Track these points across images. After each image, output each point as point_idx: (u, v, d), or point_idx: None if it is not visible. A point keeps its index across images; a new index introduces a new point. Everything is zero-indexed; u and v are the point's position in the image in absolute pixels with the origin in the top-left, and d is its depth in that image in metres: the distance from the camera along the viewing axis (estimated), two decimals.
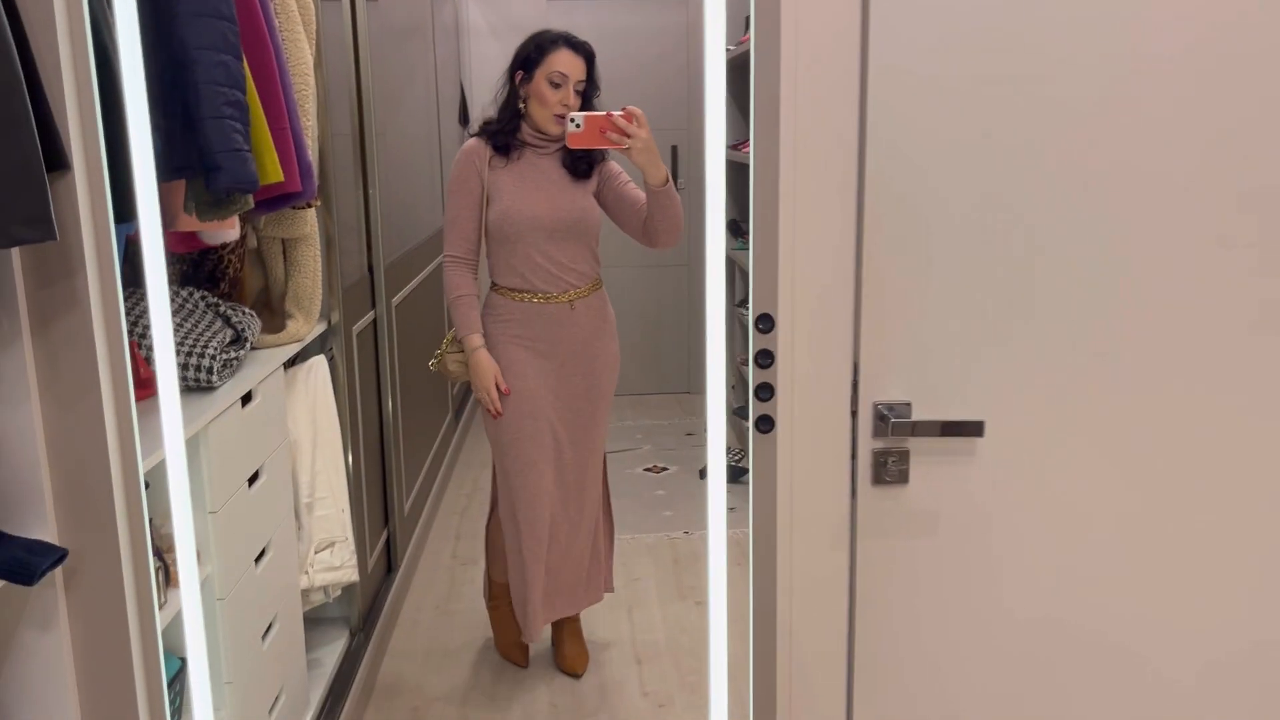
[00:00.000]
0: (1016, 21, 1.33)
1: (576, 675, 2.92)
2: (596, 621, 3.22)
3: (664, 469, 4.65)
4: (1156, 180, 1.37)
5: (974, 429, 1.39)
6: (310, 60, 2.38)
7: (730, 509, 4.17)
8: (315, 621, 2.76)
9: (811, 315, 1.39)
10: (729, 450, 4.52)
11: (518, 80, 2.61)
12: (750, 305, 1.38)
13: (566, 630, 2.96)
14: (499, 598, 3.00)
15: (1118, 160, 1.36)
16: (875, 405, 1.42)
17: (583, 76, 2.58)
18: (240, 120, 1.73)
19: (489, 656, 3.03)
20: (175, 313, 2.07)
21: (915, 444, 1.42)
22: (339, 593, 2.66)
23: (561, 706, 2.79)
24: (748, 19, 5.15)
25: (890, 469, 1.43)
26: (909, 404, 1.41)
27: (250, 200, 1.83)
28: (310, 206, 2.35)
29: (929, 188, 1.37)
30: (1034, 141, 1.36)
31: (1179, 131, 1.36)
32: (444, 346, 2.77)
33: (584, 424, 2.72)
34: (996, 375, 1.41)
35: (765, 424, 1.39)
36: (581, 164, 2.63)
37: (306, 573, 2.51)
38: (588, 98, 2.61)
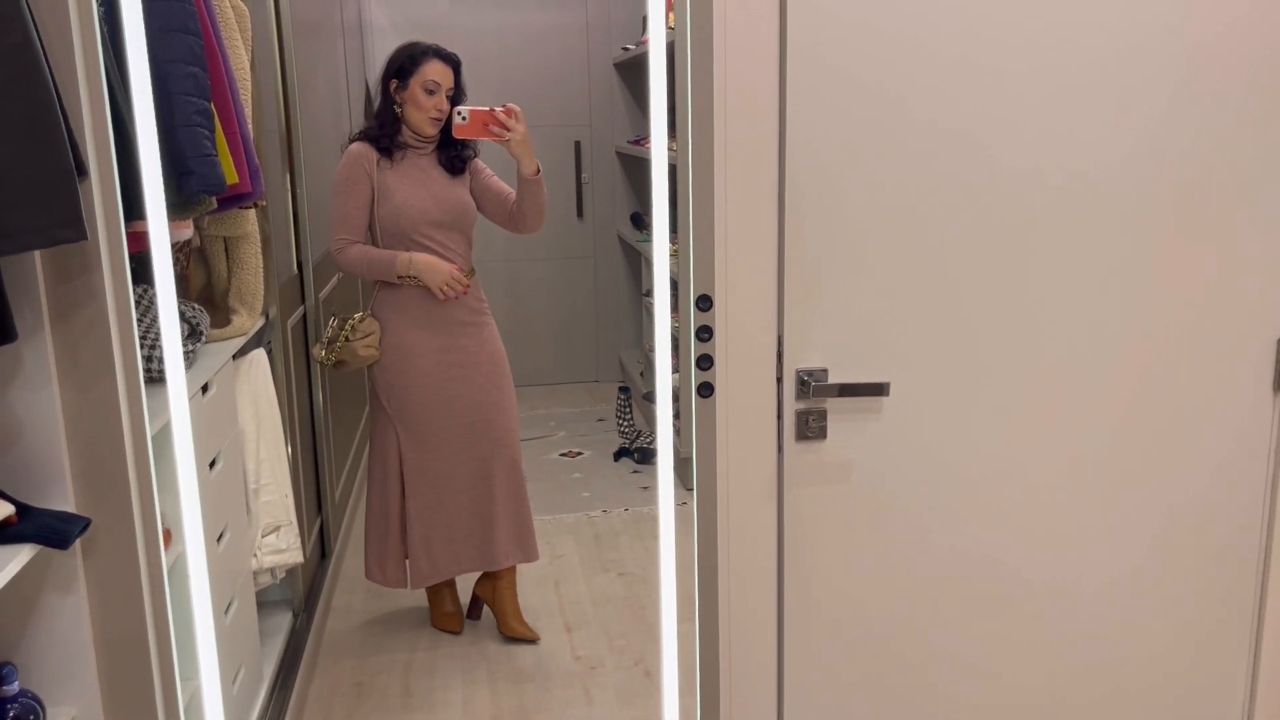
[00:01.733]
0: (920, 28, 1.57)
1: (533, 640, 3.13)
2: (527, 595, 3.41)
3: (579, 454, 4.85)
4: (1048, 168, 1.63)
5: (881, 389, 1.64)
6: (247, 65, 2.49)
7: (643, 489, 4.41)
8: (259, 604, 2.87)
9: (742, 295, 1.61)
10: (640, 433, 4.75)
11: (393, 88, 2.88)
12: (691, 288, 1.60)
13: (506, 595, 3.15)
14: (377, 573, 3.11)
15: (1013, 151, 1.62)
16: (797, 372, 1.65)
17: (452, 84, 2.87)
18: (208, 127, 1.86)
19: (425, 633, 3.19)
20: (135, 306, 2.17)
21: (832, 404, 1.66)
22: (284, 574, 2.78)
23: (499, 674, 2.97)
24: (644, 19, 5.42)
25: (811, 426, 1.66)
26: (826, 370, 1.65)
27: (214, 201, 1.96)
28: (256, 206, 2.47)
29: (841, 181, 1.60)
30: (936, 137, 1.61)
31: (1070, 125, 1.62)
32: (346, 332, 2.92)
33: (487, 383, 2.97)
34: (901, 343, 1.66)
35: (705, 390, 1.61)
36: (457, 161, 2.93)
37: (255, 555, 2.62)
38: (456, 102, 2.88)
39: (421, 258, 2.83)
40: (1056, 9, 1.59)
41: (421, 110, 2.82)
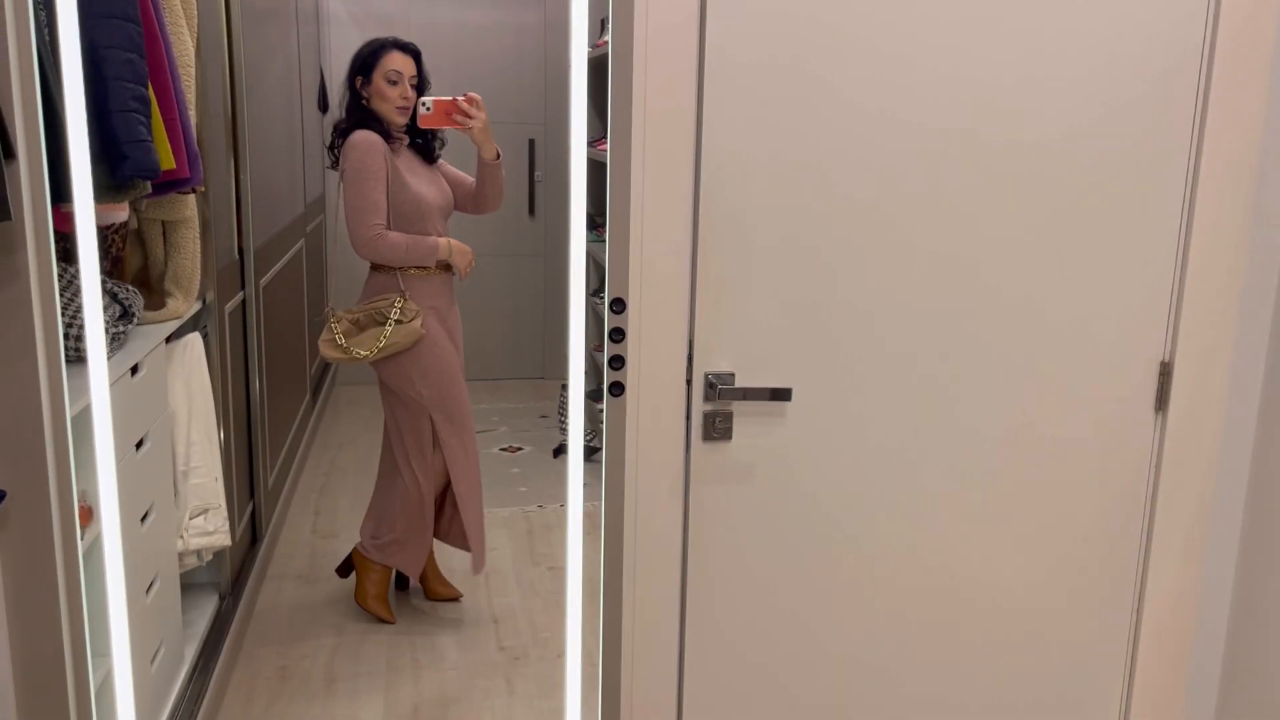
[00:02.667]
0: (831, 35, 1.65)
1: (457, 598, 3.34)
2: (456, 584, 3.46)
3: (519, 449, 4.90)
4: (946, 185, 1.72)
5: (784, 394, 1.72)
6: (192, 52, 2.52)
7: (586, 484, 4.48)
8: (186, 586, 2.90)
9: (655, 300, 1.68)
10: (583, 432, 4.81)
11: (359, 85, 2.98)
12: (605, 292, 1.66)
13: (431, 566, 3.33)
14: (402, 558, 3.20)
15: (914, 167, 1.71)
16: (706, 375, 1.72)
17: (414, 73, 2.98)
18: (144, 113, 1.89)
19: (352, 622, 3.22)
20: (65, 289, 2.19)
21: (738, 407, 1.74)
22: (210, 557, 2.81)
23: (424, 662, 3.01)
24: (604, 21, 5.46)
25: (718, 427, 1.74)
26: (733, 374, 1.73)
27: (148, 186, 1.99)
28: (195, 192, 2.49)
29: (753, 192, 1.68)
30: (842, 154, 1.69)
31: (967, 141, 1.71)
32: (397, 315, 2.94)
33: (464, 371, 3.19)
34: (806, 350, 1.74)
35: (617, 389, 1.68)
36: (431, 153, 3.10)
37: (181, 537, 2.65)
38: (420, 91, 3.01)
39: (456, 242, 3.01)
40: (968, 21, 1.67)
41: (388, 101, 2.92)
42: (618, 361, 1.67)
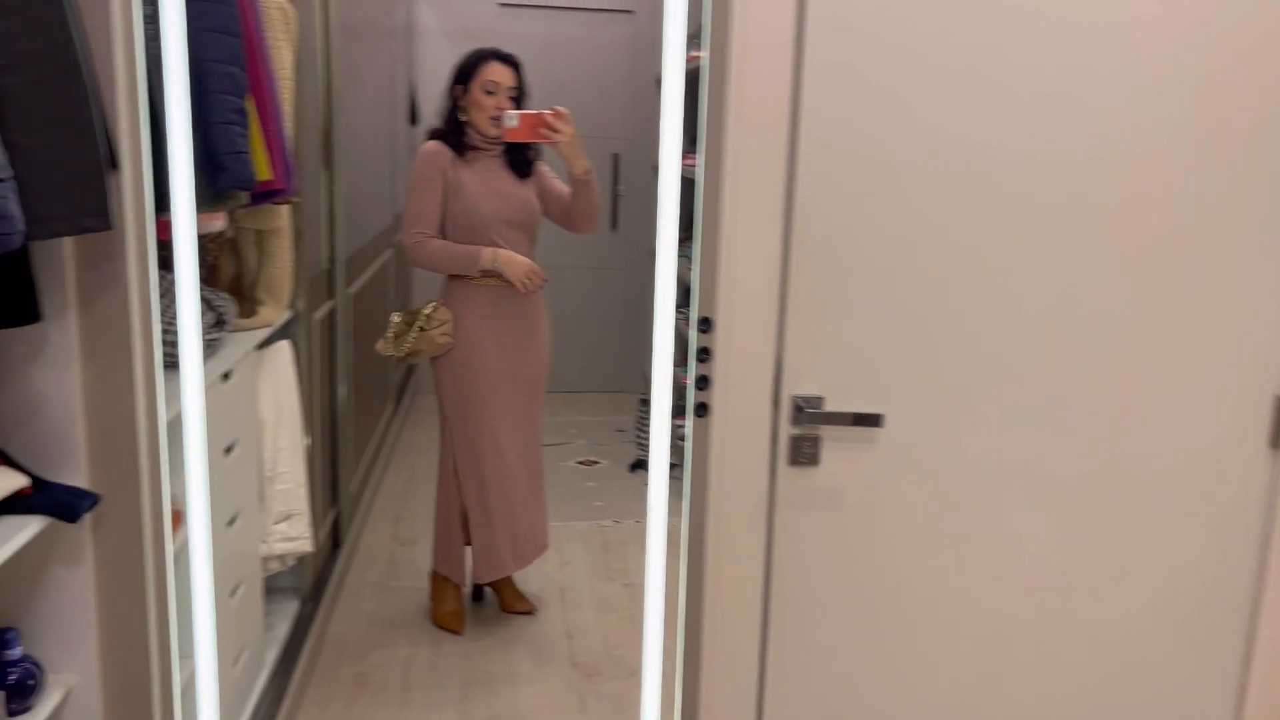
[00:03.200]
0: (936, 62, 1.61)
1: (530, 611, 3.33)
2: (531, 598, 3.45)
3: (595, 462, 4.89)
4: (1054, 208, 1.66)
5: (875, 420, 1.67)
6: (290, 65, 2.57)
7: None
8: (268, 590, 2.94)
9: (743, 319, 1.65)
10: None
11: (457, 94, 2.99)
12: (692, 309, 1.64)
13: (507, 579, 3.33)
14: (444, 566, 3.24)
15: (1021, 190, 1.65)
16: (794, 397, 1.68)
17: (513, 84, 2.97)
18: (242, 125, 1.93)
19: (428, 631, 3.24)
20: (163, 296, 2.25)
21: (826, 431, 1.69)
22: (293, 562, 2.85)
23: (498, 675, 3.01)
24: (692, 37, 5.43)
25: (804, 452, 1.69)
26: (822, 397, 1.69)
27: (245, 196, 2.02)
28: (289, 202, 2.54)
29: (848, 213, 1.64)
30: (944, 176, 1.63)
31: (1077, 165, 1.65)
32: (421, 322, 3.00)
33: (530, 393, 3.11)
34: (899, 376, 1.69)
35: (702, 410, 1.65)
36: (523, 164, 3.03)
37: (265, 542, 2.69)
38: (519, 103, 3.00)
39: (504, 252, 2.93)
40: (1073, 56, 1.61)
41: (482, 110, 2.93)
42: (704, 381, 1.64)
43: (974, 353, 1.70)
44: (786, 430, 1.69)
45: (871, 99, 1.61)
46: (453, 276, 3.01)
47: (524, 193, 3.01)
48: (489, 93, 2.92)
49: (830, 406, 1.69)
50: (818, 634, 1.78)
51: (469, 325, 3.00)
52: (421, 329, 2.99)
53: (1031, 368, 1.71)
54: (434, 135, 3.00)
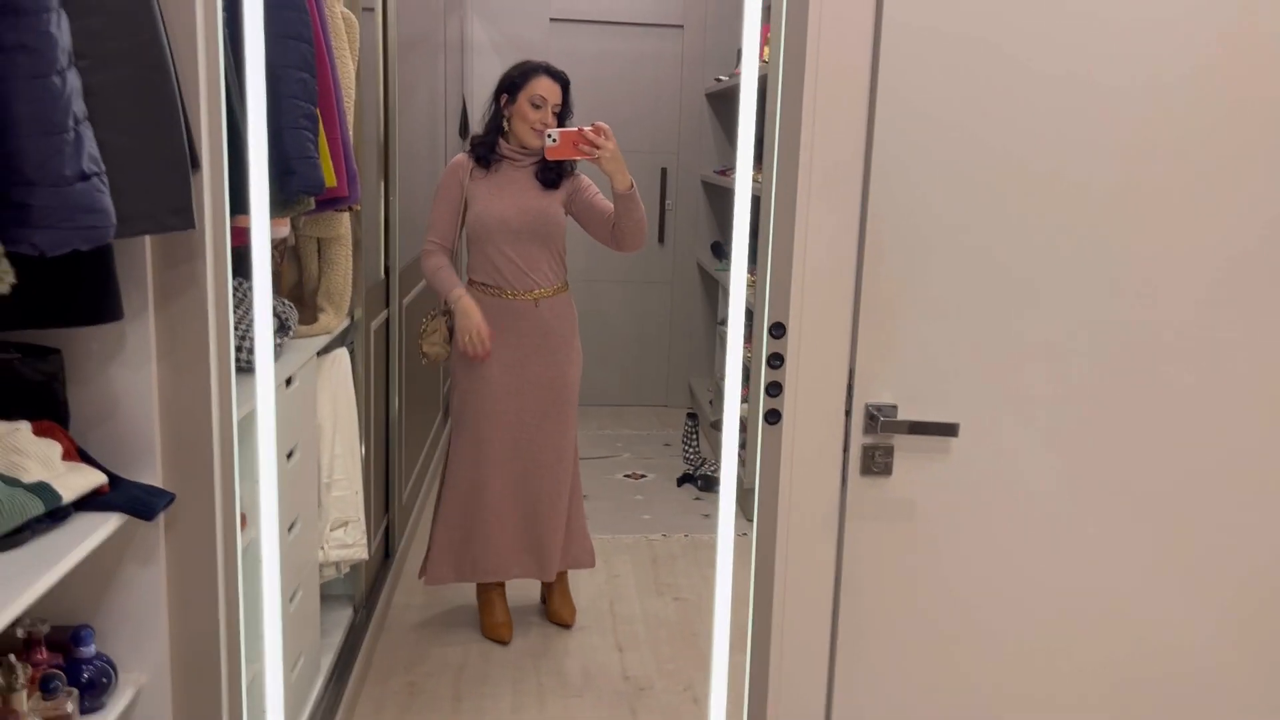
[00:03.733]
0: (1012, 75, 1.58)
1: (567, 625, 3.31)
2: (581, 611, 3.44)
3: (642, 476, 4.87)
4: (1140, 217, 1.62)
5: (950, 430, 1.63)
6: (353, 74, 2.59)
7: (704, 516, 4.41)
8: (322, 597, 2.95)
9: (816, 325, 1.63)
10: (705, 461, 4.75)
11: (503, 103, 3.00)
12: (765, 315, 1.61)
13: (557, 587, 3.33)
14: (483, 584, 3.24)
15: (1105, 199, 1.61)
16: (867, 406, 1.65)
17: (559, 100, 2.98)
18: (312, 130, 1.94)
19: (478, 642, 3.23)
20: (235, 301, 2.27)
21: (899, 440, 1.66)
22: (348, 569, 2.85)
23: (548, 687, 2.99)
24: (740, 52, 5.39)
25: (877, 462, 1.66)
26: (896, 406, 1.65)
27: (312, 202, 2.03)
28: (351, 210, 2.55)
29: (923, 219, 1.61)
30: (1022, 180, 1.60)
31: (1166, 177, 1.61)
32: (424, 329, 3.10)
33: (542, 408, 3.06)
34: (974, 384, 1.65)
35: (773, 417, 1.63)
36: (551, 174, 3.00)
37: (322, 548, 2.70)
38: (562, 119, 3.01)
39: (466, 302, 2.94)
40: (1168, 68, 1.57)
41: (526, 122, 2.93)
42: (775, 388, 1.62)
43: (1051, 361, 1.66)
44: (859, 439, 1.66)
45: (949, 104, 1.58)
46: (467, 284, 3.04)
47: (544, 203, 2.96)
48: (536, 106, 2.93)
49: (904, 415, 1.66)
50: (889, 649, 1.74)
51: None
52: (420, 333, 3.10)
53: (1110, 378, 1.66)
54: (483, 142, 3.02)
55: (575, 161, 2.96)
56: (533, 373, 3.02)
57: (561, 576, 3.32)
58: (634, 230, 2.92)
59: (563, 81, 2.99)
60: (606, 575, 3.75)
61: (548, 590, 3.37)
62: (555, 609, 3.34)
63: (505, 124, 2.97)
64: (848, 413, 1.66)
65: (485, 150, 2.99)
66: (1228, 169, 1.61)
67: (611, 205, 2.97)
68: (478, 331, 2.93)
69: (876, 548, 1.71)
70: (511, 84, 2.98)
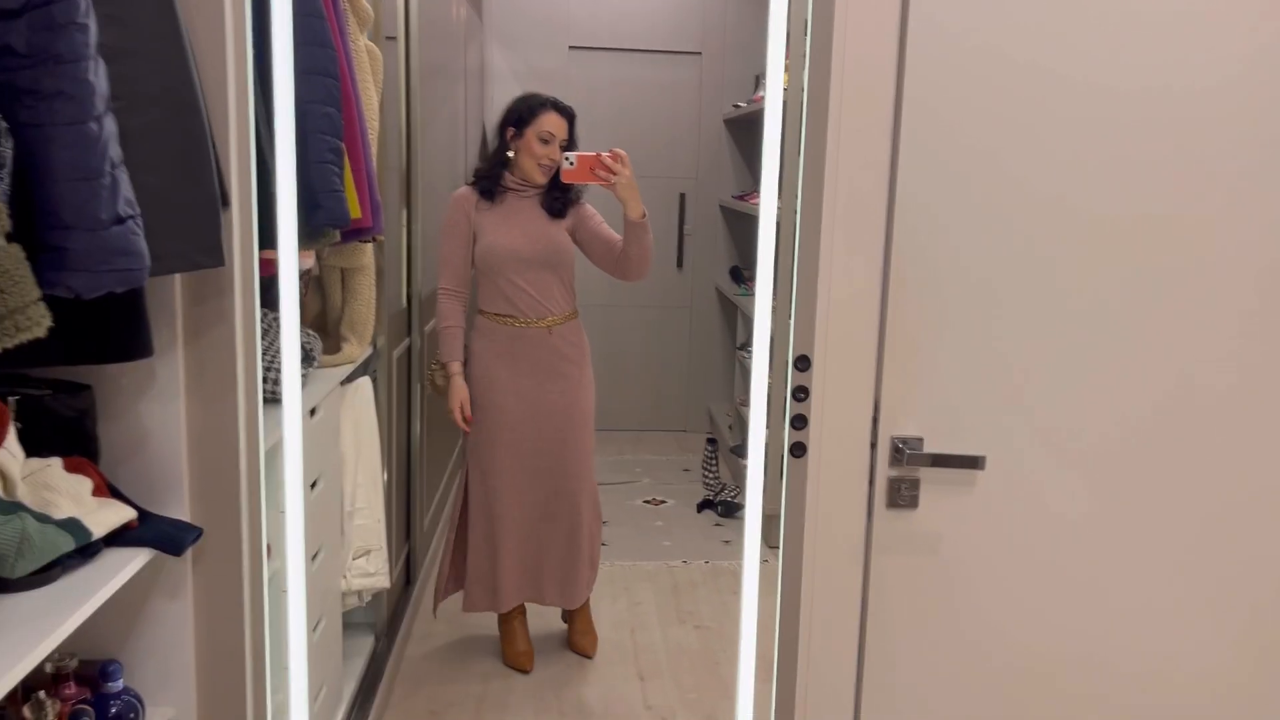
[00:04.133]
0: (1040, 87, 1.58)
1: (588, 655, 3.29)
2: (602, 639, 3.42)
3: (662, 501, 4.86)
4: (1164, 247, 1.61)
5: (976, 463, 1.62)
6: (376, 105, 2.62)
7: (725, 542, 4.39)
8: (344, 625, 2.95)
9: (840, 357, 1.62)
10: (725, 487, 4.73)
11: (509, 136, 2.99)
12: (790, 348, 1.61)
13: (578, 616, 3.31)
14: (506, 613, 3.24)
15: (1131, 230, 1.61)
16: (893, 438, 1.65)
17: (566, 135, 2.98)
18: (338, 165, 1.96)
19: (499, 669, 3.22)
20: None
21: (925, 473, 1.65)
22: (370, 598, 2.85)
23: (569, 716, 2.98)
24: (758, 78, 5.42)
25: (903, 494, 1.66)
26: (921, 439, 1.65)
27: (337, 234, 2.05)
28: (374, 240, 2.57)
29: (947, 251, 1.61)
30: (1049, 211, 1.60)
31: (1188, 203, 1.61)
32: (436, 364, 3.13)
33: (559, 435, 3.06)
34: (1000, 417, 1.65)
35: (798, 450, 1.62)
36: (557, 204, 3.00)
37: (344, 577, 2.70)
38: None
39: (457, 382, 3.02)
40: (1189, 92, 1.57)
41: (533, 158, 2.93)
42: (800, 421, 1.62)
43: (1077, 394, 1.65)
44: (885, 472, 1.66)
45: (975, 133, 1.58)
46: (478, 315, 3.06)
47: (552, 232, 2.97)
48: (544, 141, 2.92)
49: (929, 447, 1.65)
50: (914, 682, 1.73)
51: (486, 362, 3.02)
52: (430, 372, 3.14)
53: (1144, 408, 1.65)
54: (488, 174, 3.01)
55: (582, 189, 2.97)
56: (547, 401, 3.02)
57: (584, 606, 3.31)
58: (640, 259, 2.92)
59: (569, 116, 2.98)
60: (627, 602, 3.74)
61: (570, 619, 3.36)
62: (577, 639, 3.33)
63: (510, 156, 2.97)
64: (873, 445, 1.65)
65: (491, 183, 2.98)
66: (1260, 191, 1.60)
67: (614, 234, 2.98)
68: (456, 413, 3.03)
69: (903, 580, 1.69)
70: (519, 118, 2.97)
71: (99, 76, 1.10)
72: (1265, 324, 1.63)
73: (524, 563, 3.14)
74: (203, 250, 1.32)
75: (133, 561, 1.36)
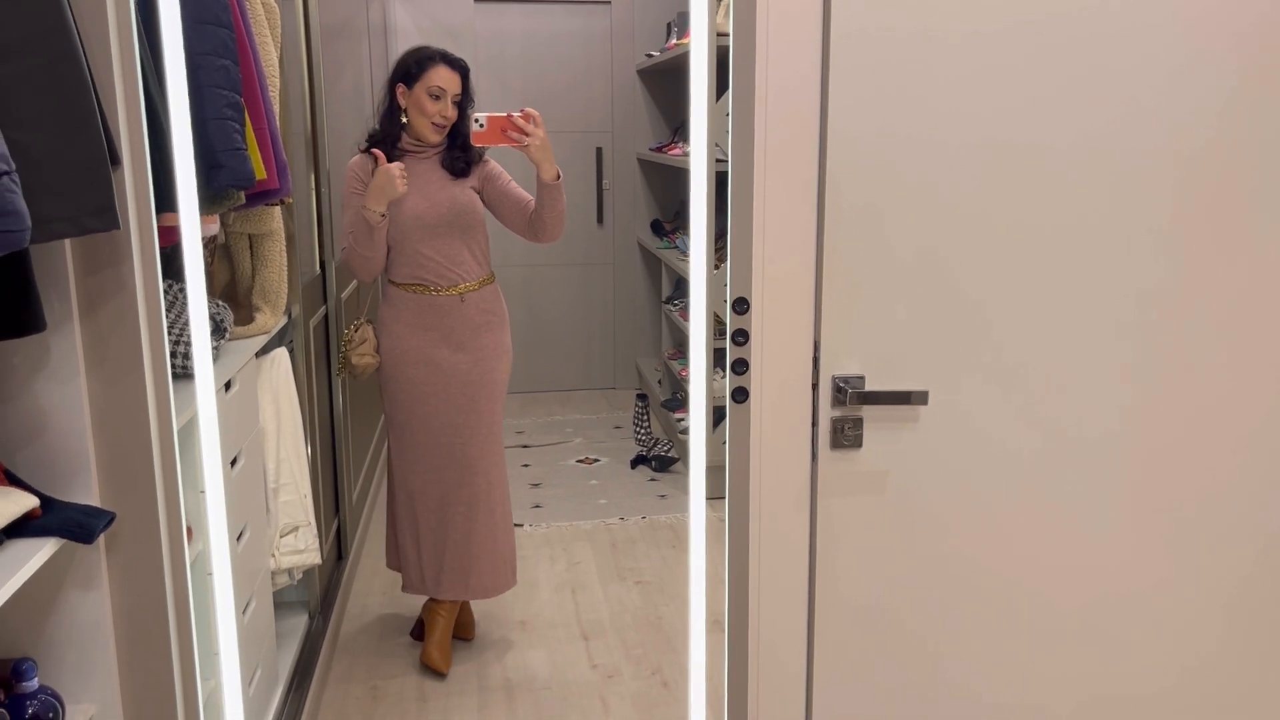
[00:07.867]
0: (963, 30, 1.54)
1: (466, 639, 3.15)
2: (543, 602, 3.38)
3: (595, 460, 4.82)
4: (1093, 176, 1.60)
5: (920, 398, 1.60)
6: (276, 62, 2.48)
7: (661, 497, 4.38)
8: (276, 605, 2.85)
9: (778, 299, 1.58)
10: (658, 441, 4.71)
11: (399, 93, 2.80)
12: (728, 290, 1.57)
13: (437, 629, 3.02)
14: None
15: (1058, 159, 1.59)
16: (834, 378, 1.62)
17: (459, 90, 2.80)
18: (238, 121, 1.84)
19: None
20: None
21: (868, 412, 1.63)
22: (301, 575, 2.76)
23: (515, 681, 2.93)
24: (670, 25, 5.32)
25: (847, 434, 1.63)
26: (863, 377, 1.62)
27: (242, 196, 1.94)
28: (283, 204, 2.45)
29: (882, 186, 1.57)
30: (978, 144, 1.57)
31: (1116, 131, 1.59)
32: (345, 346, 2.91)
33: (472, 408, 2.88)
34: (941, 352, 1.63)
35: (740, 395, 1.58)
36: (459, 163, 2.82)
37: (273, 556, 2.60)
38: (463, 109, 2.82)
39: (373, 184, 2.64)
40: (1098, 36, 1.55)
41: (425, 116, 2.76)
42: (741, 365, 1.57)
43: (1020, 325, 1.64)
44: (827, 413, 1.63)
45: (905, 66, 1.54)
46: (388, 285, 2.86)
47: (455, 193, 2.80)
48: (434, 98, 2.74)
49: (872, 386, 1.62)
50: (866, 623, 1.72)
51: (397, 335, 2.85)
52: (343, 354, 2.91)
53: (1081, 340, 1.65)
54: (383, 137, 2.81)
55: (485, 147, 2.79)
56: (460, 371, 2.85)
57: (448, 610, 3.05)
58: (554, 222, 2.77)
59: (462, 69, 2.80)
60: (566, 563, 3.70)
61: (428, 619, 3.05)
62: (428, 647, 3.00)
63: (402, 113, 2.78)
64: (814, 386, 1.62)
65: (387, 147, 2.78)
66: (1208, 133, 1.59)
67: (525, 194, 2.84)
68: (398, 174, 2.63)
69: (850, 521, 1.67)
70: (406, 72, 2.77)
71: None
72: (1216, 245, 1.64)
73: (440, 549, 2.95)
74: (92, 213, 1.21)
75: (39, 553, 1.26)
